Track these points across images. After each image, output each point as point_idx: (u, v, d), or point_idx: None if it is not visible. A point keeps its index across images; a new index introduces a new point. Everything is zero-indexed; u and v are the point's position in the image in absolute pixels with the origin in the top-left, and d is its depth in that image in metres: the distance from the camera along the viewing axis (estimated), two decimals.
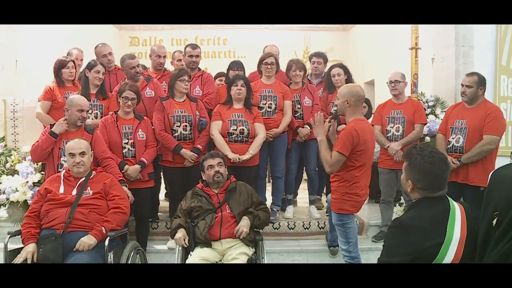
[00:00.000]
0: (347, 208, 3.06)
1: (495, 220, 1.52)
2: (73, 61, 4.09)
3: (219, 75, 4.96)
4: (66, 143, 3.23)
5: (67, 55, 4.54)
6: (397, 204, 4.23)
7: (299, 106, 4.22)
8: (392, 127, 3.98)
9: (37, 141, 3.37)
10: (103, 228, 2.84)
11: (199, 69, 4.34)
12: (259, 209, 3.22)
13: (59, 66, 4.00)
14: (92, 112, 3.84)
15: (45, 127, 3.67)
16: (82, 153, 3.04)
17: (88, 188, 3.01)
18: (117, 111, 3.68)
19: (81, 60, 4.65)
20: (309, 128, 4.19)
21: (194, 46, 4.32)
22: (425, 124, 4.04)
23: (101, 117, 3.85)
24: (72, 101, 3.36)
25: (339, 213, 3.08)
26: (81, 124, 3.37)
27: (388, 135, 3.99)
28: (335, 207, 3.09)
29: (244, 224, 3.05)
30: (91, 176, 3.09)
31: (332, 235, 3.75)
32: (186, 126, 3.78)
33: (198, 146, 3.80)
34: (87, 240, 2.75)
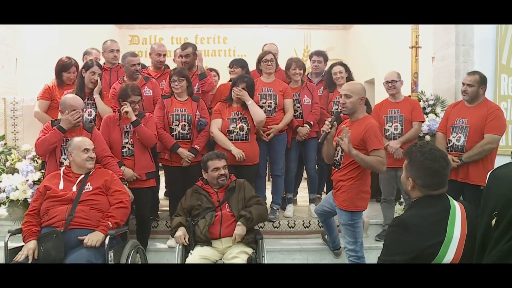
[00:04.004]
0: (360, 205, 3.07)
1: (494, 220, 1.51)
2: (75, 66, 4.05)
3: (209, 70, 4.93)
4: (67, 141, 3.25)
5: (85, 54, 4.55)
6: (397, 203, 4.23)
7: (299, 105, 4.21)
8: (391, 126, 3.99)
9: (43, 135, 3.35)
10: (109, 223, 2.87)
11: (196, 67, 4.30)
12: (251, 203, 3.17)
13: (61, 69, 3.99)
14: (86, 110, 3.78)
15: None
16: (93, 149, 3.13)
17: (88, 183, 3.02)
18: (119, 109, 3.66)
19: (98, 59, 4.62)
20: (308, 127, 4.18)
21: (184, 46, 4.22)
22: (423, 121, 4.06)
23: (96, 115, 3.82)
24: (65, 102, 3.35)
25: (353, 211, 3.06)
26: (78, 124, 3.37)
27: (386, 134, 3.98)
28: (349, 206, 3.06)
29: (239, 232, 3.02)
30: (91, 173, 3.10)
31: (332, 238, 3.73)
32: (184, 125, 3.77)
33: (196, 146, 3.79)
34: (96, 236, 2.78)
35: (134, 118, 3.52)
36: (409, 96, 4.44)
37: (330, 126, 3.08)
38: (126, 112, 3.50)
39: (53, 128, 3.31)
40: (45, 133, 3.35)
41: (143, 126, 3.54)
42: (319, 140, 3.22)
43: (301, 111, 4.22)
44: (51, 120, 3.48)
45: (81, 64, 4.43)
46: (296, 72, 4.19)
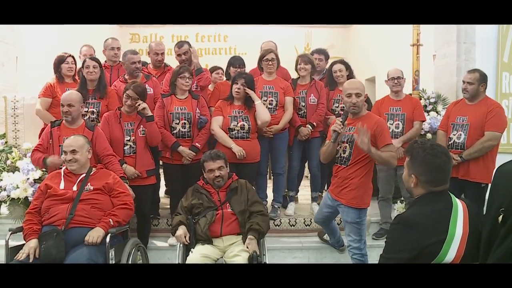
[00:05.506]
0: (367, 202, 3.08)
1: (501, 216, 1.51)
2: (72, 56, 4.08)
3: (214, 68, 4.93)
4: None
5: (79, 53, 4.62)
6: (399, 201, 4.22)
7: (304, 103, 4.17)
8: (392, 124, 3.97)
9: (41, 140, 3.40)
10: (110, 220, 2.86)
11: (193, 65, 4.28)
12: (255, 211, 3.13)
13: (59, 62, 4.02)
14: (89, 109, 3.81)
15: (45, 125, 3.65)
16: (73, 151, 3.01)
17: (89, 184, 3.01)
18: (121, 107, 3.67)
19: (91, 55, 4.63)
20: (310, 128, 4.16)
21: (180, 45, 4.19)
22: (423, 121, 4.06)
23: (98, 114, 3.83)
24: (62, 98, 3.40)
25: (362, 208, 3.07)
26: (67, 119, 3.35)
27: None
28: (359, 203, 3.05)
29: (253, 247, 2.94)
30: (92, 173, 3.09)
31: (336, 239, 3.72)
32: (185, 123, 3.77)
33: (197, 144, 3.78)
34: (96, 232, 2.77)
35: (150, 113, 3.57)
36: (410, 94, 4.44)
37: (341, 126, 2.98)
38: (144, 108, 3.53)
39: (42, 155, 3.34)
40: (43, 138, 3.40)
41: (155, 123, 3.59)
42: (332, 141, 3.04)
43: (305, 110, 4.19)
44: (51, 122, 3.47)
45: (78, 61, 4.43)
46: (301, 67, 4.16)
